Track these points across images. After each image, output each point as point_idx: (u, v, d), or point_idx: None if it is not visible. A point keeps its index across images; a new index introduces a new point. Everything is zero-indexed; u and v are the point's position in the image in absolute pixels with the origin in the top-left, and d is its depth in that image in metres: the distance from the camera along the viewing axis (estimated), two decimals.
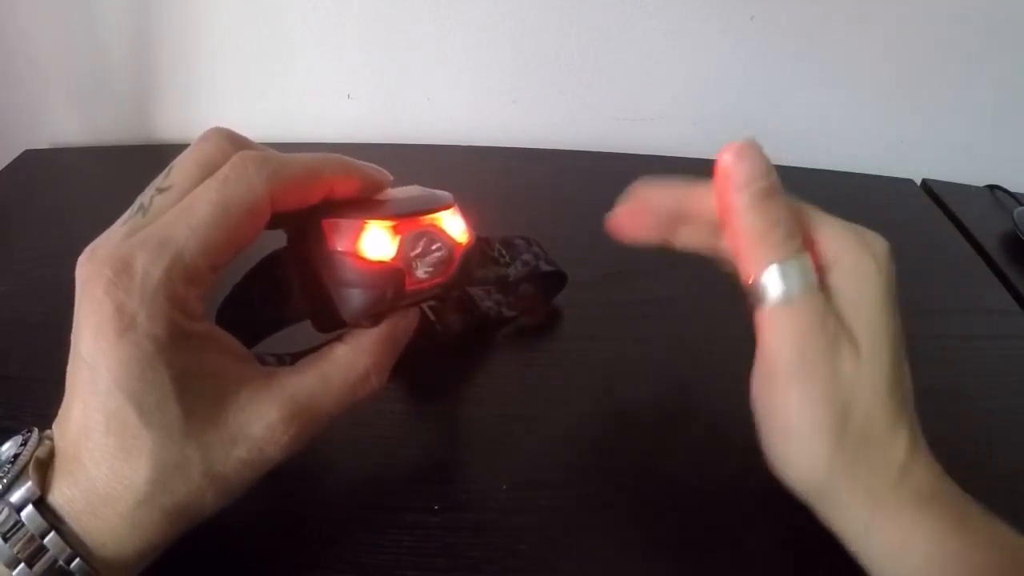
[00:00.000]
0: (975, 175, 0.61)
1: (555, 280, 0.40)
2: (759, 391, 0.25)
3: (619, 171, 0.59)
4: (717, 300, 0.43)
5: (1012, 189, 0.58)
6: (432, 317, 0.37)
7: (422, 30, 0.56)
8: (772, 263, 0.23)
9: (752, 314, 0.25)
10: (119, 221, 0.23)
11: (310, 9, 0.55)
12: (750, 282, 0.24)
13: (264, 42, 0.57)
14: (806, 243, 0.24)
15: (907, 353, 0.24)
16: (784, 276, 0.23)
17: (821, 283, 0.24)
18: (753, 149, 0.24)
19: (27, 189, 0.53)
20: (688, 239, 0.28)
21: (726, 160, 0.24)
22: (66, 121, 0.59)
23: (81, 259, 0.22)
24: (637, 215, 0.27)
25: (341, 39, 0.57)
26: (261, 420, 0.23)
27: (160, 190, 0.23)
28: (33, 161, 0.56)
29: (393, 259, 0.24)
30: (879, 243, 0.25)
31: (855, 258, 0.24)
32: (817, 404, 0.23)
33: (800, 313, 0.23)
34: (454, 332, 0.38)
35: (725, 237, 0.26)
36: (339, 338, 0.26)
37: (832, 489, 0.24)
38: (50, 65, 0.56)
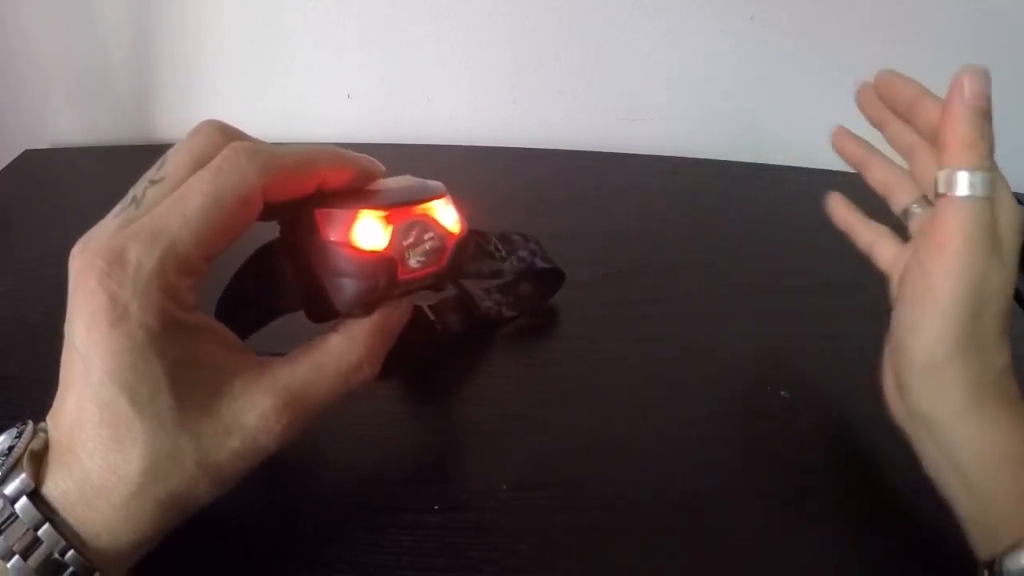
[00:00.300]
0: None
1: (552, 277, 0.40)
2: (922, 258, 0.28)
3: (619, 171, 0.60)
4: (717, 300, 0.43)
5: (1012, 189, 0.58)
6: (432, 317, 0.37)
7: (422, 30, 0.56)
8: (973, 168, 0.27)
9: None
10: (112, 213, 0.23)
11: (310, 9, 0.55)
12: (945, 171, 0.28)
13: (264, 42, 0.57)
14: None
15: None
16: (980, 180, 0.27)
17: None
18: (986, 77, 0.29)
19: (27, 189, 0.53)
20: (893, 134, 0.33)
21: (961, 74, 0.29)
22: (66, 121, 0.59)
23: (74, 251, 0.22)
24: (877, 91, 0.33)
25: (341, 39, 0.57)
26: (254, 409, 0.22)
27: (153, 182, 0.22)
28: (33, 161, 0.56)
29: (386, 248, 0.24)
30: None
31: (1010, 203, 0.29)
32: (969, 284, 0.27)
33: (982, 212, 0.27)
34: (454, 332, 0.38)
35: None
36: (332, 328, 0.26)
37: (947, 364, 0.27)
38: (50, 65, 0.57)
